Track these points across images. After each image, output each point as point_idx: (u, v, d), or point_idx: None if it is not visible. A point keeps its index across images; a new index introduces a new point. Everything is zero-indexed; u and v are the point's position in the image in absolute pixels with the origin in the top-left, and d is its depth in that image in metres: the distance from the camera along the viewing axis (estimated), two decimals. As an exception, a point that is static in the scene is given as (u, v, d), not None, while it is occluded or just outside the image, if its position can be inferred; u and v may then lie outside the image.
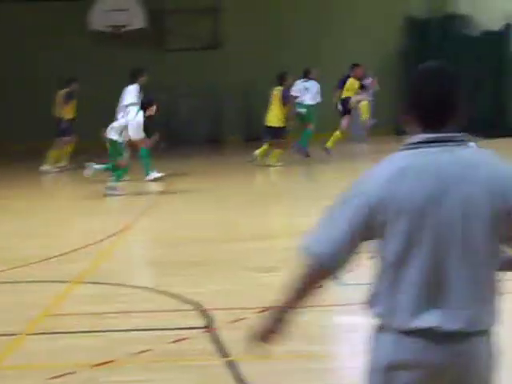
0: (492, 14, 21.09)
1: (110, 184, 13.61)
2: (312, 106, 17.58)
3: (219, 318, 6.43)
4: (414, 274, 2.64)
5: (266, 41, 22.11)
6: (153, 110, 13.77)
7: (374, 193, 2.66)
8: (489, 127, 19.88)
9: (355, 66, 17.38)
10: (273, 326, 2.84)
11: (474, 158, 2.67)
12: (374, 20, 22.32)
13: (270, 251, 9.03)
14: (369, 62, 19.44)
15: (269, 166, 16.31)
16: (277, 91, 16.46)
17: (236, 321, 6.26)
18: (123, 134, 13.54)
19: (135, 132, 13.46)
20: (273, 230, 10.88)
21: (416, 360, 2.66)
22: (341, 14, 22.35)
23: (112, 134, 13.59)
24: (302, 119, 17.59)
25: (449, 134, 2.67)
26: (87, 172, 13.91)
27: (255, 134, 19.16)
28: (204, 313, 6.60)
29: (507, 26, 21.40)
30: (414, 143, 2.69)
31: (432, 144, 2.66)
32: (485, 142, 18.24)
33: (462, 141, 2.69)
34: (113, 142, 13.55)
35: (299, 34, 22.19)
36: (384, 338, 2.72)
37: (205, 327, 6.25)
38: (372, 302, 2.75)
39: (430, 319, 2.64)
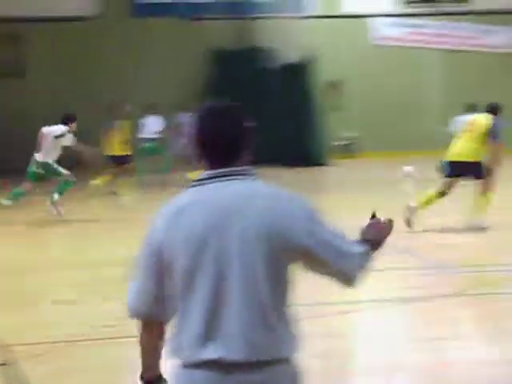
0: (292, 47, 21.91)
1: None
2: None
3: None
4: (195, 306, 2.66)
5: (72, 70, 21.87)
6: None
7: (154, 239, 2.71)
8: (291, 158, 20.62)
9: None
10: None
11: (251, 191, 2.73)
12: (178, 53, 22.59)
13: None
14: (174, 96, 19.66)
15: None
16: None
17: (40, 355, 6.09)
18: None
19: None
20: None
21: None
22: (145, 47, 22.46)
23: None
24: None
25: (228, 169, 2.72)
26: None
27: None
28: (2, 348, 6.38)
29: (305, 57, 22.34)
30: (200, 180, 2.75)
31: (214, 179, 2.71)
32: (288, 172, 19.01)
33: (243, 175, 2.73)
34: None
35: (107, 63, 22.12)
36: (178, 374, 2.71)
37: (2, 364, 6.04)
38: (169, 340, 2.76)
39: (214, 350, 2.63)
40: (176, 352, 2.70)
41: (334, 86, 23.58)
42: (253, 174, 2.78)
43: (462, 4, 24.25)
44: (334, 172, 20.73)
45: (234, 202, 2.68)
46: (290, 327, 2.73)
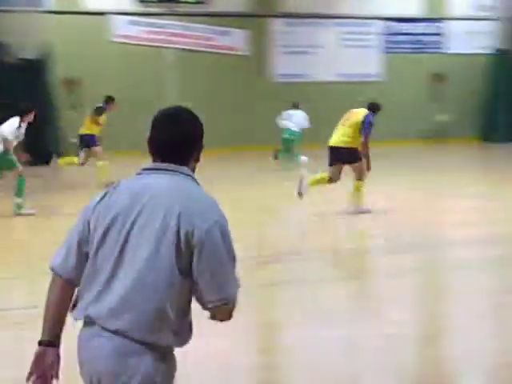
0: (30, 42, 21.36)
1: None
2: None
3: None
4: (98, 274, 3.10)
5: None
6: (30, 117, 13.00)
7: (86, 212, 3.20)
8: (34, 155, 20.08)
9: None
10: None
11: (174, 185, 3.12)
12: None
13: None
14: None
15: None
16: None
17: None
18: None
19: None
20: None
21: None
22: None
23: None
24: None
25: (164, 165, 3.17)
26: None
27: None
28: None
29: (43, 54, 21.87)
30: (140, 170, 3.23)
31: (149, 171, 3.19)
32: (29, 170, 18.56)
33: (175, 171, 3.15)
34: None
35: None
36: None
37: None
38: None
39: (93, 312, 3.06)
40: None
41: (72, 83, 23.29)
42: (185, 173, 3.17)
43: (198, 5, 24.85)
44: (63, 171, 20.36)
45: (153, 191, 3.10)
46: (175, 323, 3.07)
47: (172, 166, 3.16)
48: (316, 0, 25.77)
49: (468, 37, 27.38)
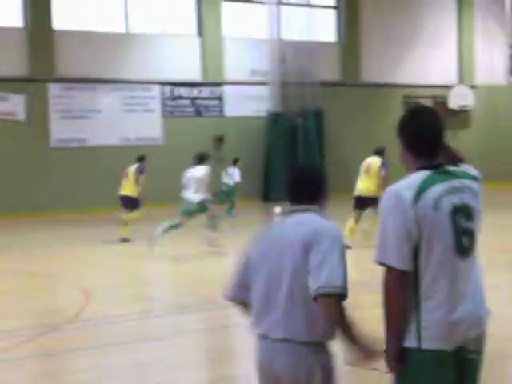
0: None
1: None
2: None
3: None
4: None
5: None
6: None
7: (250, 250, 4.34)
8: None
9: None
10: None
11: (306, 220, 4.22)
12: None
13: None
14: None
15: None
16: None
17: None
18: None
19: None
20: None
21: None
22: None
23: None
24: None
25: (302, 206, 4.28)
26: None
27: None
28: None
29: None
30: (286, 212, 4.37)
31: (292, 213, 4.29)
32: None
33: (309, 211, 4.26)
34: None
35: None
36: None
37: None
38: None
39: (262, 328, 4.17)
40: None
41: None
42: (315, 211, 4.28)
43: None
44: None
45: (291, 228, 4.19)
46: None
47: (308, 207, 4.31)
48: (95, 65, 25.81)
49: (244, 100, 28.34)
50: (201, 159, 15.50)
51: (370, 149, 15.43)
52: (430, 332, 3.86)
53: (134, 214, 17.34)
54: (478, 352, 4.02)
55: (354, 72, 30.03)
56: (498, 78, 33.05)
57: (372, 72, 30.35)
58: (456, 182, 3.92)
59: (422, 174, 3.90)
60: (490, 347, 4.27)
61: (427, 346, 3.86)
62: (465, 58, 32.43)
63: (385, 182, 14.50)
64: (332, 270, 3.97)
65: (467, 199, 3.92)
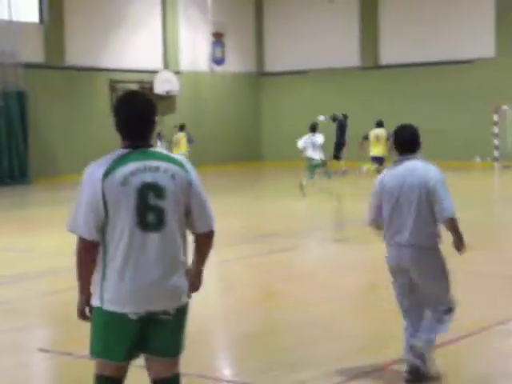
0: None
1: None
2: None
3: None
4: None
5: None
6: None
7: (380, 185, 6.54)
8: None
9: None
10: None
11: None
12: None
13: None
14: None
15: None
16: None
17: None
18: None
19: None
20: None
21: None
22: None
23: None
24: None
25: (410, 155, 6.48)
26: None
27: None
28: None
29: None
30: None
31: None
32: None
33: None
34: None
35: None
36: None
37: None
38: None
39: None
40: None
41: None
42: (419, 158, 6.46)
43: None
44: None
45: (408, 170, 6.36)
46: None
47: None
48: None
49: None
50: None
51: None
52: (108, 294, 4.27)
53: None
54: (170, 315, 4.39)
55: (58, 54, 29.37)
56: (202, 64, 33.92)
57: (77, 55, 29.87)
58: (152, 163, 4.26)
59: (119, 153, 4.29)
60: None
61: (106, 307, 4.29)
62: (169, 43, 32.87)
63: (391, 146, 19.99)
64: (450, 199, 6.11)
65: (161, 179, 4.25)
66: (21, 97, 27.82)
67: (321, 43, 34.39)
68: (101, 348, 4.35)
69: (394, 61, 32.94)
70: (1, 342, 7.91)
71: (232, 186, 25.90)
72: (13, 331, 8.17)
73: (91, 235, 4.23)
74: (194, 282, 4.51)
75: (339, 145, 27.89)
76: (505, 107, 29.96)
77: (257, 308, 9.16)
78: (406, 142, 6.30)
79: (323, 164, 20.90)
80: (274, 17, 35.81)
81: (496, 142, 30.54)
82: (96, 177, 4.20)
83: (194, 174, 4.39)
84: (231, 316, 8.83)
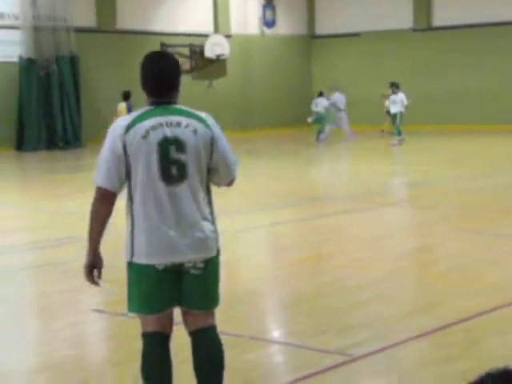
0: None
1: None
2: None
3: None
4: None
5: None
6: None
7: None
8: None
9: None
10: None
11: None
12: None
13: None
14: None
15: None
16: None
17: None
18: None
19: None
20: None
21: None
22: None
23: None
24: None
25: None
26: None
27: None
28: None
29: None
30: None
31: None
32: None
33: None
34: None
35: None
36: None
37: None
38: None
39: None
40: None
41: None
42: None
43: None
44: None
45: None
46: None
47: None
48: None
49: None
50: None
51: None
52: (136, 247, 4.35)
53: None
54: (199, 268, 4.43)
55: (110, 18, 29.48)
56: (253, 28, 33.76)
57: (128, 19, 29.95)
58: (174, 118, 4.37)
59: (144, 109, 4.43)
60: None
61: (135, 260, 4.37)
62: (220, 6, 32.77)
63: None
64: None
65: (182, 134, 4.35)
66: (73, 61, 28.02)
67: (373, 5, 33.99)
68: (137, 303, 4.43)
69: (447, 22, 32.43)
70: (58, 302, 8.06)
71: (282, 150, 25.86)
72: (68, 292, 8.31)
73: (113, 186, 4.33)
74: None
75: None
76: None
77: (308, 270, 9.18)
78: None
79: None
80: (325, -22, 35.45)
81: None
82: (118, 130, 4.32)
83: (216, 129, 4.47)
84: (282, 278, 8.86)
